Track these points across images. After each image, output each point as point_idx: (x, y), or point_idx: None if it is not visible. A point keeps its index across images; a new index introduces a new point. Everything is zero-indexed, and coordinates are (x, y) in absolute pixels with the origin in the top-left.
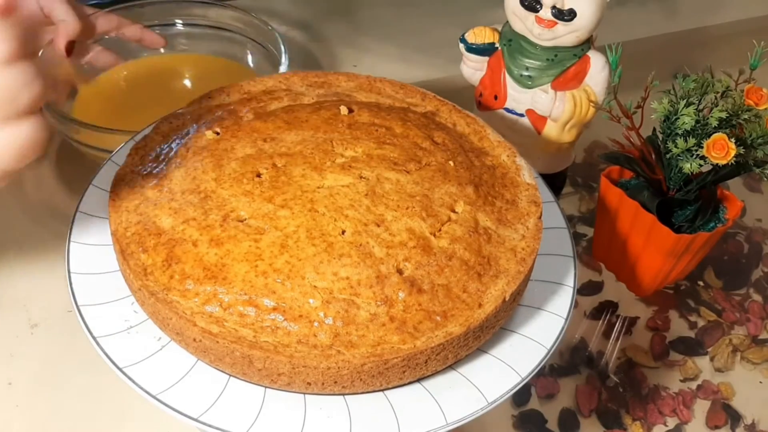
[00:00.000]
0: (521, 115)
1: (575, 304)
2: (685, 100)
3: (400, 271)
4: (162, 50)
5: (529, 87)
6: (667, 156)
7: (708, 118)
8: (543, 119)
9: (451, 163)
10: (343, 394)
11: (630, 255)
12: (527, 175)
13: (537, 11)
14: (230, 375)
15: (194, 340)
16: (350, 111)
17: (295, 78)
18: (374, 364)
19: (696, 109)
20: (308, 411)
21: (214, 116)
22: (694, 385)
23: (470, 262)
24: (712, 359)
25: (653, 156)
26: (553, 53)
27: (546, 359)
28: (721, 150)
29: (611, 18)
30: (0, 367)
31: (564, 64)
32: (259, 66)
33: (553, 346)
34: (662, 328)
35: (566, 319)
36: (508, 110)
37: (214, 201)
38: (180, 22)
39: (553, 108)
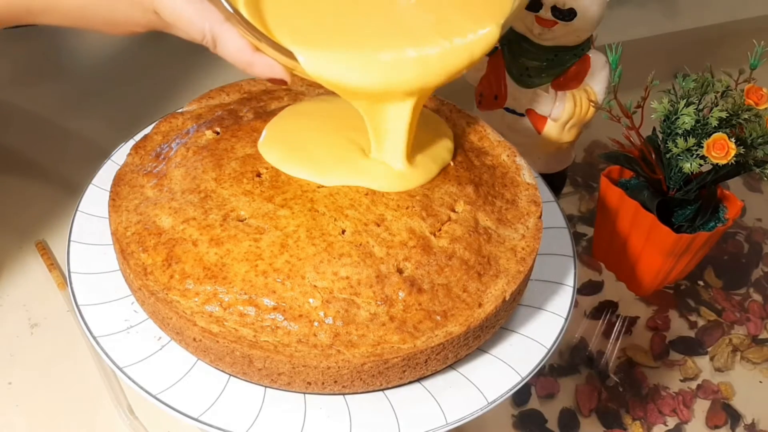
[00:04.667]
0: (521, 115)
1: (575, 304)
2: (685, 100)
3: (400, 271)
4: None
5: (529, 87)
6: (667, 156)
7: (708, 118)
8: (543, 119)
9: (451, 162)
10: (343, 394)
11: (630, 255)
12: (527, 174)
13: (537, 11)
14: (230, 375)
15: (194, 339)
16: None
17: (295, 78)
18: (374, 364)
19: (696, 108)
20: (308, 411)
21: (214, 116)
22: (694, 384)
23: (470, 261)
24: (712, 359)
25: (653, 156)
26: (553, 53)
27: (546, 359)
28: (721, 150)
29: (611, 18)
30: (0, 367)
31: (564, 64)
32: None
33: (553, 346)
34: (662, 327)
35: (566, 319)
36: (508, 110)
37: (214, 200)
38: None
39: (553, 108)
